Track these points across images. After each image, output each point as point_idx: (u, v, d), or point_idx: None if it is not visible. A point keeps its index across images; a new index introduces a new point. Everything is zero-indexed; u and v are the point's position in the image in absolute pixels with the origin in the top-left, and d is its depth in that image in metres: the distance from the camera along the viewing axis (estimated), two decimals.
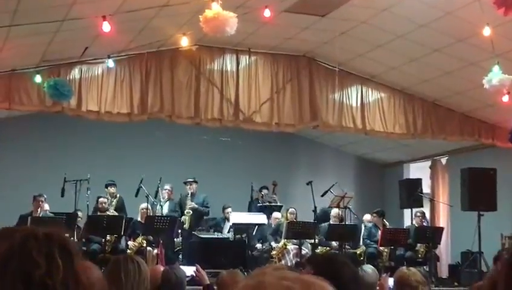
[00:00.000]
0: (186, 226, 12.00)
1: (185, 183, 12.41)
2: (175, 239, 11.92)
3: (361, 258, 12.16)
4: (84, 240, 11.21)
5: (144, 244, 11.12)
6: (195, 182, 12.42)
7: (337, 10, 10.34)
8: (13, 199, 12.36)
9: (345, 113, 12.94)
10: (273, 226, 12.43)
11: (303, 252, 11.57)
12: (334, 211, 12.40)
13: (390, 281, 5.00)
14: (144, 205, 11.57)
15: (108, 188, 12.03)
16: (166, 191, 12.24)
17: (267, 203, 13.04)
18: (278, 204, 13.17)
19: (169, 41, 11.27)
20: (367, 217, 13.25)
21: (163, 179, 11.98)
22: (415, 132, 13.39)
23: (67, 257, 1.66)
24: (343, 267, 2.96)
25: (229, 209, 12.48)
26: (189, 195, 12.27)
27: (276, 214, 12.64)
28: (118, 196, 12.06)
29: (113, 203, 11.94)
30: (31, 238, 1.65)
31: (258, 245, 11.99)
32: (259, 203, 13.10)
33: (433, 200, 15.39)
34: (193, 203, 12.21)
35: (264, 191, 13.22)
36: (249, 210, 12.87)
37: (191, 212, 12.11)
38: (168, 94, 11.92)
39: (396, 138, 13.72)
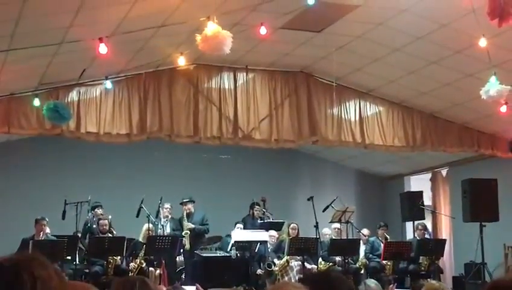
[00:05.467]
0: (187, 247, 11.94)
1: (181, 204, 12.37)
2: (177, 258, 11.87)
3: (361, 272, 12.14)
4: (86, 261, 11.16)
5: (143, 265, 11.06)
6: (192, 201, 12.37)
7: (332, 25, 10.38)
8: (14, 222, 12.35)
9: (343, 127, 12.95)
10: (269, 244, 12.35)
11: (307, 267, 11.52)
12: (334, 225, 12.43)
13: None
14: (146, 225, 11.53)
15: (96, 210, 11.90)
16: (167, 209, 12.19)
17: (269, 220, 12.91)
18: (280, 220, 13.08)
19: (167, 61, 11.29)
20: (365, 231, 13.22)
21: (164, 199, 11.97)
22: (414, 144, 13.39)
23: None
24: (339, 283, 2.94)
25: (240, 225, 12.32)
26: (185, 215, 12.21)
27: (272, 232, 12.53)
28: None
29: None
30: None
31: (259, 271, 11.87)
32: (252, 219, 12.91)
33: (434, 212, 15.38)
34: (190, 223, 12.15)
35: (257, 208, 13.05)
36: (244, 226, 12.70)
37: (189, 232, 12.05)
38: (166, 113, 11.92)
39: (395, 151, 13.70)
